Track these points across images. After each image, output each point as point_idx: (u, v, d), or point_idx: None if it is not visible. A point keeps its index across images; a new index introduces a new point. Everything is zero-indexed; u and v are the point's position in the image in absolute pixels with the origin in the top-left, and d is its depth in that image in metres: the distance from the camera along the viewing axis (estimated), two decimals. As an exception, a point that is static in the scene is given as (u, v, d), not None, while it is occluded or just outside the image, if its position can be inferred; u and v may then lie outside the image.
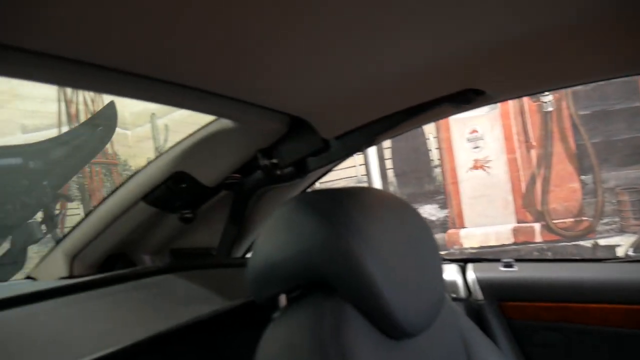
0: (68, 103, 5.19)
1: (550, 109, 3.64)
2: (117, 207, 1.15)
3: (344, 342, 0.57)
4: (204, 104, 0.82)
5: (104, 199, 1.19)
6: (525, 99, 3.66)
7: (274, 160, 1.09)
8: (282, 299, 0.72)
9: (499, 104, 3.73)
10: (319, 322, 0.60)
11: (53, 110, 5.02)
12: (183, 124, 5.35)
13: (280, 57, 0.69)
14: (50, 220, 2.08)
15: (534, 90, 0.97)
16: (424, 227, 0.78)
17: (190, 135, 1.08)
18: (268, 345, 0.65)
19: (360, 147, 1.05)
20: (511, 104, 3.69)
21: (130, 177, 1.15)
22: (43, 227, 2.06)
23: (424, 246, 0.75)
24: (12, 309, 0.81)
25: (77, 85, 0.69)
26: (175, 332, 0.84)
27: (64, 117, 5.12)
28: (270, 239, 0.70)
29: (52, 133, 4.96)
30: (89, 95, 5.42)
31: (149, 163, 1.13)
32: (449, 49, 0.73)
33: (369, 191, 0.76)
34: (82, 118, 5.29)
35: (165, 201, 1.16)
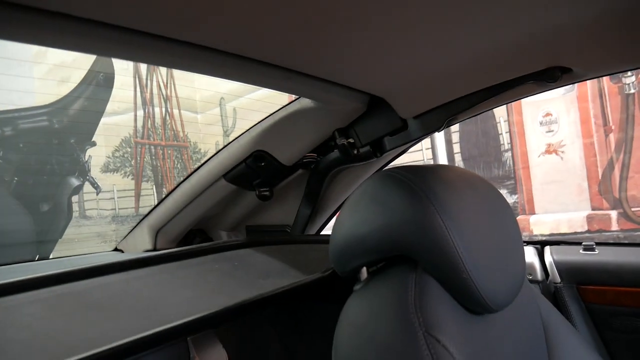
0: (143, 88, 5.42)
1: (632, 91, 3.44)
2: (199, 184, 1.21)
3: (427, 313, 0.59)
4: (286, 82, 0.85)
5: (188, 177, 1.25)
6: (606, 81, 3.48)
7: (351, 140, 1.11)
8: (364, 272, 0.74)
9: (576, 86, 3.56)
10: (403, 293, 0.62)
11: (129, 95, 5.26)
12: (250, 108, 5.46)
13: (363, 37, 0.70)
14: (84, 170, 2.23)
15: (624, 67, 0.93)
16: (505, 205, 0.78)
17: (271, 115, 1.12)
18: (350, 315, 0.67)
19: (439, 127, 1.04)
20: (589, 85, 3.52)
21: (213, 155, 1.21)
22: (80, 178, 2.24)
23: (506, 224, 0.75)
24: (108, 276, 0.88)
25: (171, 63, 0.73)
26: (258, 302, 0.88)
27: (139, 101, 5.35)
28: (354, 213, 0.72)
29: (129, 117, 5.20)
30: (162, 80, 5.63)
31: (231, 142, 1.19)
32: (534, 26, 0.72)
33: (452, 168, 0.76)
34: (156, 102, 5.50)
35: (245, 179, 1.21)
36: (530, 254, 1.18)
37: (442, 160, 4.04)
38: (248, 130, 1.16)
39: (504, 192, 3.86)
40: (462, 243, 0.62)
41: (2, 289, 0.72)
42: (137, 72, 5.37)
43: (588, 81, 3.51)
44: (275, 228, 1.39)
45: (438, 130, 1.06)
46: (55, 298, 0.76)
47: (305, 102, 1.05)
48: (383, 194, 0.68)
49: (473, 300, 0.64)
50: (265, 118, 1.13)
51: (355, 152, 1.12)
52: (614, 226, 3.59)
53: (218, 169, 1.18)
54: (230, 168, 1.17)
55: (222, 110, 5.73)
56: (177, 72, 5.77)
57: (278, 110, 1.10)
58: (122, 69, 5.17)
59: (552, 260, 1.16)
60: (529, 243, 1.22)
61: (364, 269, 0.74)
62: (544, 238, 3.47)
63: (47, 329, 0.67)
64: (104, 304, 0.76)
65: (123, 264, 0.90)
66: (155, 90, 5.52)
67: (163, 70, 5.69)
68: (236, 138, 1.18)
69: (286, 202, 1.35)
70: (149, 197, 5.27)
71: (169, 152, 5.62)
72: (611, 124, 3.55)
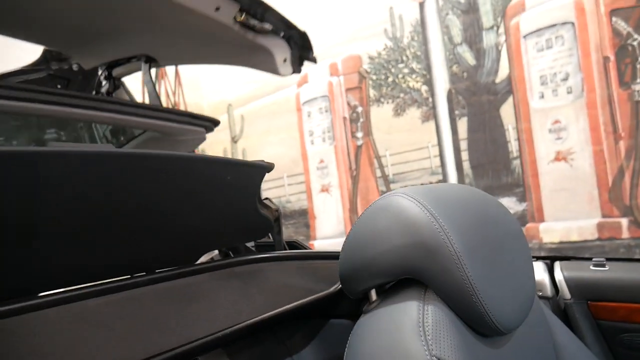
0: (152, 95, 5.45)
1: (642, 97, 3.42)
2: None
3: (436, 337, 0.59)
4: None
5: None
6: (615, 87, 3.46)
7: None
8: (373, 293, 0.75)
9: (585, 93, 3.55)
10: (412, 317, 0.62)
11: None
12: (257, 115, 5.48)
13: None
14: None
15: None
16: (514, 224, 0.78)
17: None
18: (360, 339, 0.68)
19: None
20: (599, 92, 3.50)
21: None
22: None
23: (515, 243, 0.75)
24: (118, 294, 0.89)
25: None
26: (268, 321, 0.89)
27: (148, 109, 5.39)
28: (364, 235, 0.72)
29: (138, 124, 5.22)
30: (170, 87, 5.67)
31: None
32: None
33: (460, 188, 0.77)
34: (164, 109, 5.54)
35: None
36: (539, 270, 1.18)
37: (450, 167, 4.03)
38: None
39: (512, 199, 3.85)
40: (471, 267, 0.62)
41: (13, 310, 0.73)
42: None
43: (597, 88, 3.50)
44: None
45: None
46: (67, 318, 0.76)
47: None
48: (392, 216, 0.68)
49: (483, 323, 0.64)
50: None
51: None
52: (625, 234, 3.56)
53: None
54: None
55: (229, 117, 5.76)
56: (185, 79, 5.80)
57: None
58: (130, 77, 5.21)
59: (562, 276, 1.15)
60: (538, 258, 1.22)
61: (373, 291, 0.75)
62: (553, 253, 3.44)
63: (53, 350, 0.67)
64: (114, 325, 0.77)
65: (135, 282, 0.91)
66: (163, 98, 5.56)
67: (171, 76, 5.73)
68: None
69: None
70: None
71: (178, 159, 5.64)
72: (621, 130, 3.53)
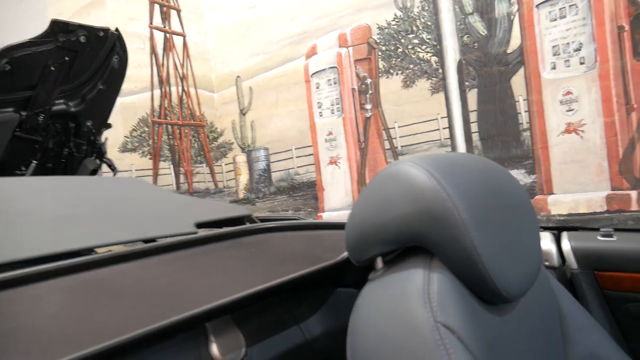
0: (159, 67, 5.43)
1: (656, 68, 3.36)
2: None
3: (441, 304, 0.60)
4: None
5: None
6: (629, 58, 3.40)
7: None
8: (379, 261, 0.75)
9: (598, 64, 3.49)
10: (417, 284, 0.63)
11: (146, 75, 5.29)
12: (266, 86, 5.45)
13: None
14: (100, 152, 2.35)
15: None
16: (523, 194, 0.78)
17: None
18: (365, 306, 0.68)
19: None
20: (612, 63, 3.44)
21: None
22: (97, 160, 2.33)
23: (522, 213, 0.75)
24: (128, 263, 0.90)
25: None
26: (275, 289, 0.89)
27: (155, 81, 5.38)
28: (371, 203, 0.72)
29: (146, 96, 5.23)
30: (178, 59, 5.64)
31: None
32: None
33: (468, 157, 0.76)
34: (172, 81, 5.53)
35: None
36: (547, 240, 1.18)
37: (460, 139, 4.01)
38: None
39: (522, 171, 3.83)
40: (477, 235, 0.62)
41: (28, 277, 0.74)
42: (153, 51, 5.38)
43: (610, 59, 3.44)
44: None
45: None
46: (80, 286, 0.78)
47: None
48: (400, 184, 0.68)
49: (488, 291, 0.64)
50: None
51: None
52: (634, 206, 3.54)
53: None
54: None
55: (238, 89, 5.74)
56: (193, 51, 5.77)
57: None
58: (139, 48, 5.19)
59: (569, 246, 1.15)
60: (545, 229, 1.22)
61: (380, 258, 0.75)
62: (561, 224, 3.42)
63: (72, 317, 0.69)
64: (125, 292, 0.78)
65: (144, 251, 0.92)
66: (171, 70, 5.54)
67: (179, 49, 5.69)
68: None
69: None
70: (167, 176, 5.33)
71: (186, 131, 5.66)
72: (633, 102, 3.48)
